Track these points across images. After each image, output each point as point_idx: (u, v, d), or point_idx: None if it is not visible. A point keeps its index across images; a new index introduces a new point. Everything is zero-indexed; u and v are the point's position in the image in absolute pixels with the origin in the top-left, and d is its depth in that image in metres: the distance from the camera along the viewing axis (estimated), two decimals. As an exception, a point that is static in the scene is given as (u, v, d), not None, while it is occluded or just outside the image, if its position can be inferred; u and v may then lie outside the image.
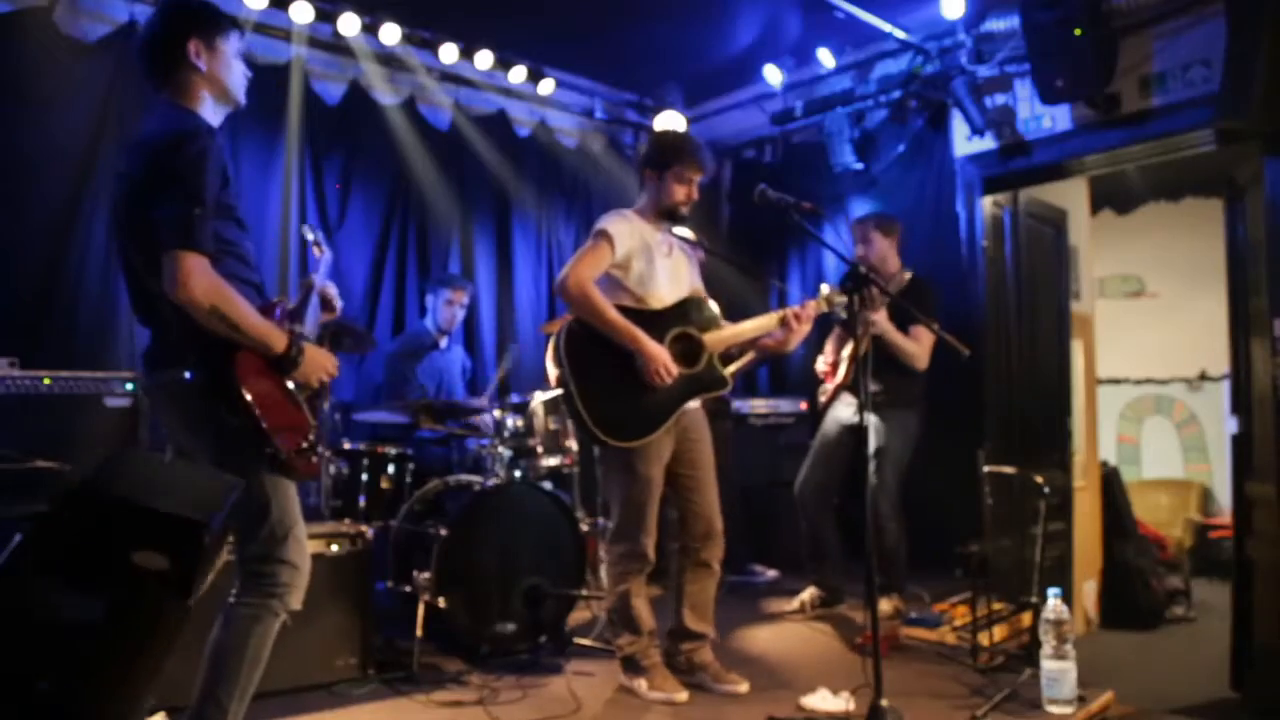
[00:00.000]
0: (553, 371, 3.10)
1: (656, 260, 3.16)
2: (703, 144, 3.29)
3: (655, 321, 3.07)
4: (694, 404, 3.20)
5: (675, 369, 2.99)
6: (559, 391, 3.11)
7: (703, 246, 3.68)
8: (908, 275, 4.24)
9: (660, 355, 2.97)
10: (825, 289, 3.26)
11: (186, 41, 2.18)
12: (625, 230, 3.11)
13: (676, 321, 3.12)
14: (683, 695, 3.03)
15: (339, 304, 2.56)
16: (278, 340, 2.11)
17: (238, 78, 2.28)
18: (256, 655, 2.09)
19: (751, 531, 5.06)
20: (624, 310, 3.05)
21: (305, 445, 2.14)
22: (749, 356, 3.49)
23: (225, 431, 2.07)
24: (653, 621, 3.16)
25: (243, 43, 2.33)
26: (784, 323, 3.20)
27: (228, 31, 2.25)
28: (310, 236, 2.74)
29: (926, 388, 4.20)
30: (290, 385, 2.16)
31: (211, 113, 2.24)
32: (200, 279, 1.99)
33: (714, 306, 3.29)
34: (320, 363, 2.23)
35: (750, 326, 3.24)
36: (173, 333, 2.10)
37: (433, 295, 4.71)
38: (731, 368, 3.27)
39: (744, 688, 3.11)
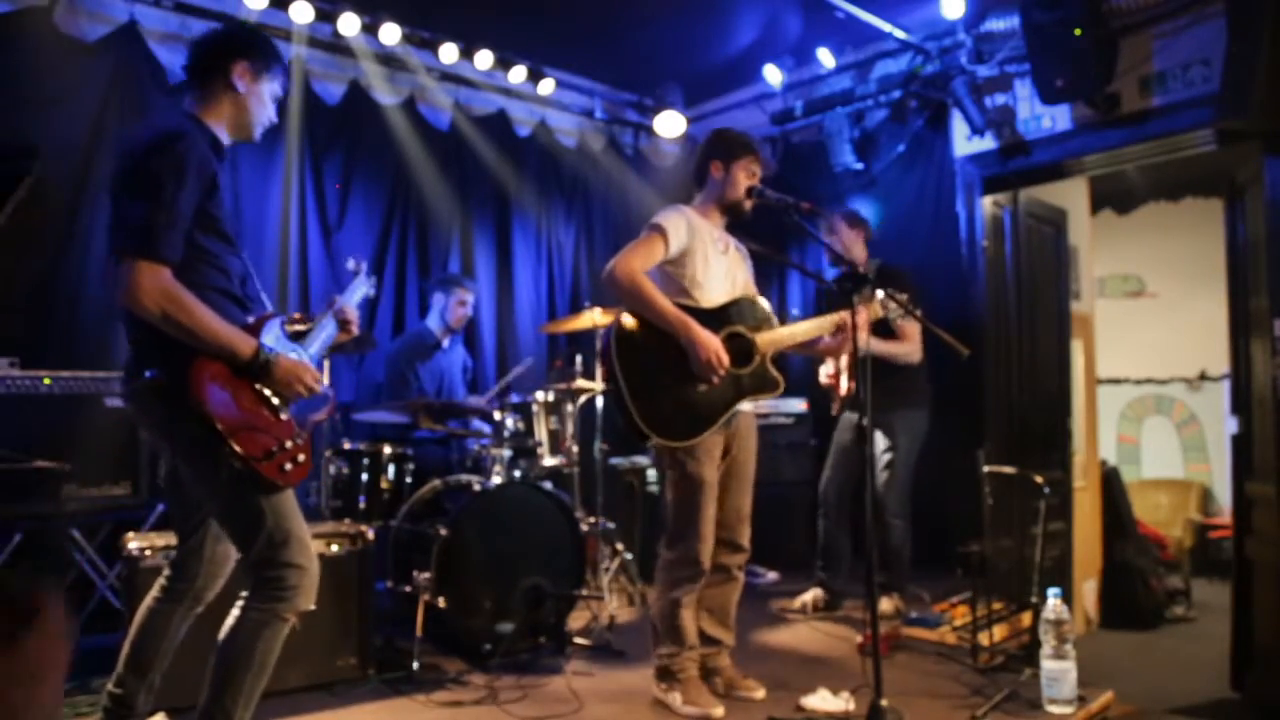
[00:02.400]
0: (599, 368, 3.01)
1: (712, 258, 3.07)
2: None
3: (707, 320, 2.95)
4: (747, 406, 3.09)
5: (727, 360, 2.86)
6: (604, 388, 3.01)
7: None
8: (874, 264, 4.21)
9: (712, 343, 2.83)
10: (880, 295, 3.08)
11: (236, 59, 2.18)
12: (682, 226, 3.02)
13: (729, 320, 2.99)
14: (719, 710, 2.86)
15: (356, 329, 2.48)
16: (243, 346, 2.06)
17: (263, 115, 2.28)
18: (264, 661, 2.07)
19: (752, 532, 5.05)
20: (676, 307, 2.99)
21: (275, 449, 2.08)
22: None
23: (186, 436, 2.04)
24: (696, 635, 3.03)
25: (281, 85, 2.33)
26: (839, 327, 3.04)
27: (275, 71, 2.27)
28: (352, 265, 2.70)
29: (930, 380, 4.18)
30: (266, 392, 2.12)
31: (224, 135, 2.22)
32: (151, 286, 1.94)
33: (767, 306, 3.17)
34: (297, 373, 2.15)
35: (804, 329, 3.10)
36: (139, 337, 2.07)
37: (444, 294, 4.65)
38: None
39: (760, 694, 3.04)
